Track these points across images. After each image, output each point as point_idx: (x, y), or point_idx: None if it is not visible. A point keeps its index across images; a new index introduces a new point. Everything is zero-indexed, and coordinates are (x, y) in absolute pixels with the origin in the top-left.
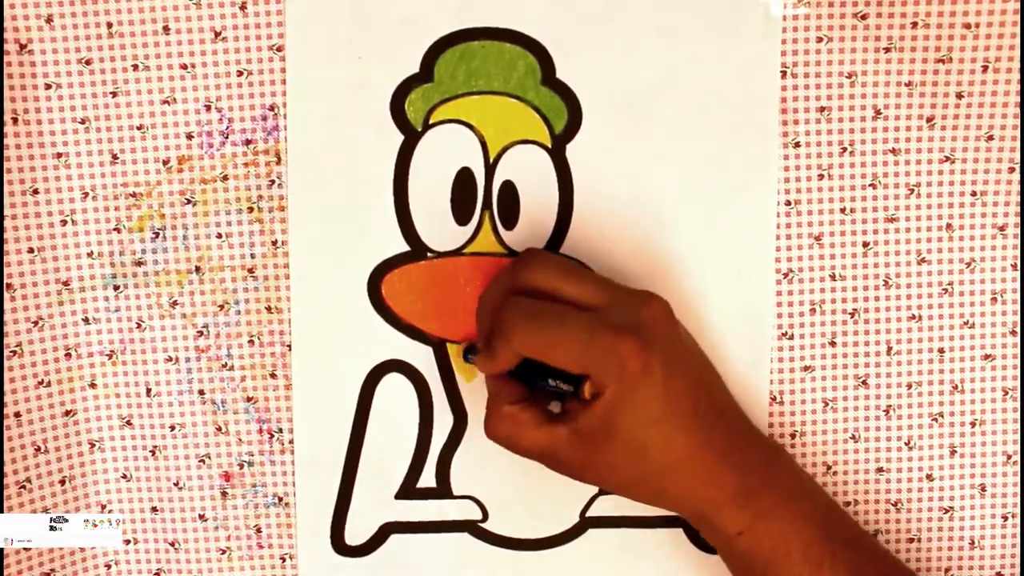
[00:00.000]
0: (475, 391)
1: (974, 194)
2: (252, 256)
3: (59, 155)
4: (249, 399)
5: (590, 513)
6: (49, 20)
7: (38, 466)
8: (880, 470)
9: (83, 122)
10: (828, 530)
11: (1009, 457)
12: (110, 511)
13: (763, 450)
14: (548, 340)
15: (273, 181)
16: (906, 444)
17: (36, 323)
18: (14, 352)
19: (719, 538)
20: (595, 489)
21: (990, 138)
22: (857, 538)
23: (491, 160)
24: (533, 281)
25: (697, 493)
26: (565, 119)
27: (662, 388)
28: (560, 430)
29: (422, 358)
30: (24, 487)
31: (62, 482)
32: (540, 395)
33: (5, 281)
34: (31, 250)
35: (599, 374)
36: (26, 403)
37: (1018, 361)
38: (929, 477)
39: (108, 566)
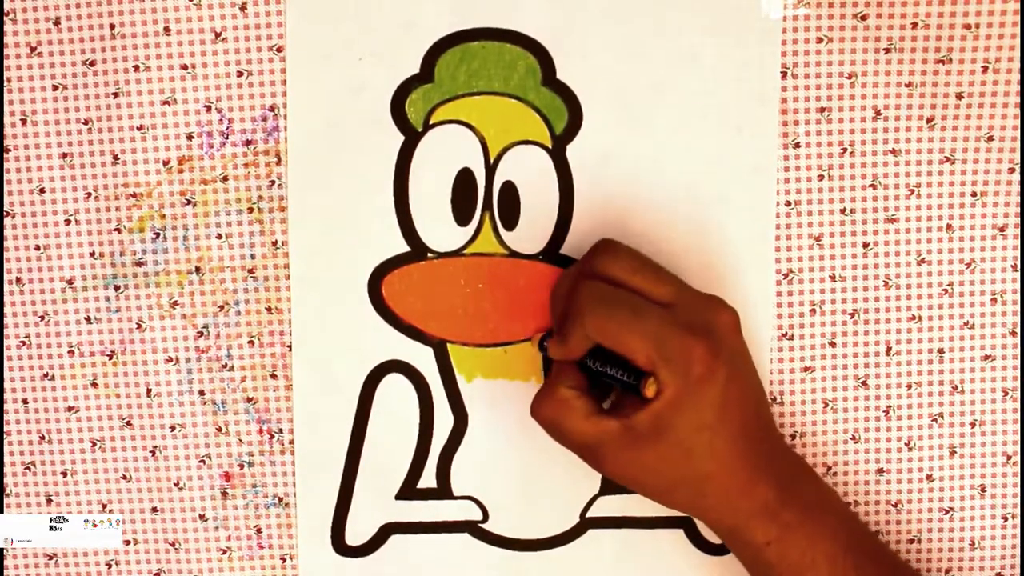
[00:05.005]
0: (475, 391)
1: (974, 195)
2: (252, 256)
3: (64, 155)
4: (249, 399)
5: (590, 514)
6: (57, 22)
7: (42, 453)
8: (880, 471)
9: (86, 123)
10: (851, 541)
11: (1009, 457)
12: (110, 511)
13: (791, 463)
14: (620, 326)
15: (273, 182)
16: (906, 445)
17: (43, 318)
18: (23, 343)
19: (748, 550)
20: (595, 489)
21: (990, 139)
22: (876, 548)
23: (491, 160)
24: (607, 269)
25: (731, 503)
26: (565, 119)
27: (720, 396)
28: (611, 423)
29: (422, 358)
30: (29, 469)
31: (64, 474)
32: (598, 393)
33: (15, 276)
34: (37, 247)
35: (664, 371)
36: (32, 392)
37: (1018, 362)
38: (929, 478)
39: (108, 565)
